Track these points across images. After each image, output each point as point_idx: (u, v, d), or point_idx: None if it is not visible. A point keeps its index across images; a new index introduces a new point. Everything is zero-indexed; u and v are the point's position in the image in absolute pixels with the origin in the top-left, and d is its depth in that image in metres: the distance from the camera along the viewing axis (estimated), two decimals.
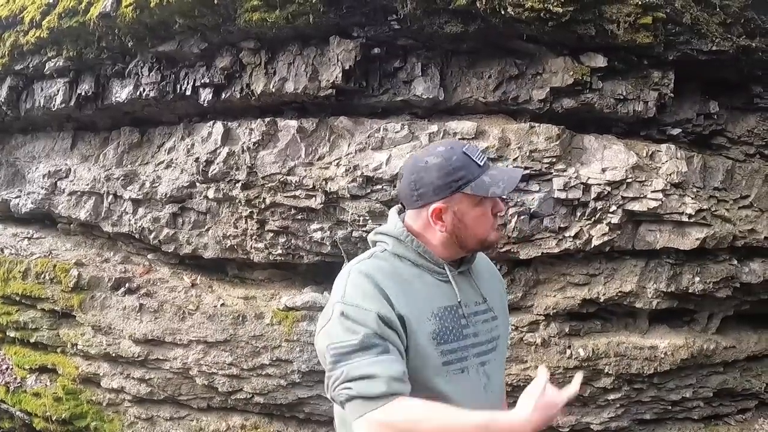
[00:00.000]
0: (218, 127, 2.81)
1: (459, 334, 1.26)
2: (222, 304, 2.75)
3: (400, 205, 1.35)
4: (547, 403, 1.14)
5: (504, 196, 1.28)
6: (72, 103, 3.32)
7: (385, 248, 1.28)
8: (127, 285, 3.09)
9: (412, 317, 1.22)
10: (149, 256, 3.15)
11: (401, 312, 1.21)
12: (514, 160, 2.37)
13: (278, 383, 2.66)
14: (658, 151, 2.53)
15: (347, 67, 2.48)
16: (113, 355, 2.99)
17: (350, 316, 1.17)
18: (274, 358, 2.63)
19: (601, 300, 2.47)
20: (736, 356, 2.72)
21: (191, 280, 2.93)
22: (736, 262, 2.64)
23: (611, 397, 2.54)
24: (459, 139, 2.40)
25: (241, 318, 2.68)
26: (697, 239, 2.51)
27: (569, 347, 2.46)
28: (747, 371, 2.81)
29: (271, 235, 2.63)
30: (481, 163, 1.25)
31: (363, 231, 2.45)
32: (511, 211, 2.35)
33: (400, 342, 1.20)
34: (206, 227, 2.83)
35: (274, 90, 2.67)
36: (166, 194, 2.96)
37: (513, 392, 2.49)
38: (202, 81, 2.91)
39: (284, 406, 2.71)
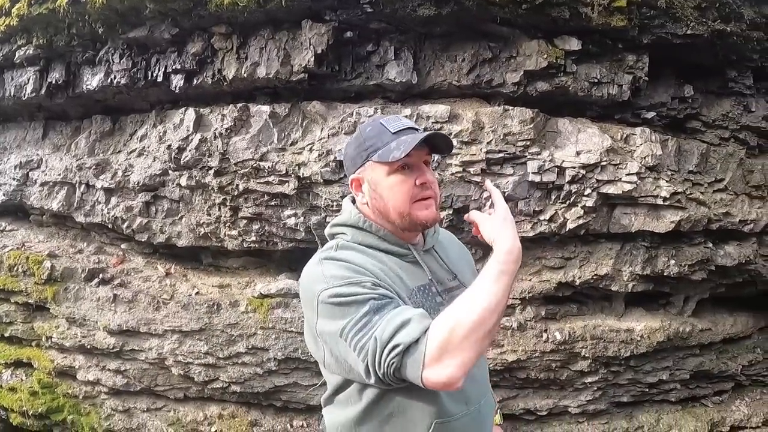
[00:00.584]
0: (190, 114, 2.76)
1: (437, 312, 1.21)
2: (197, 293, 2.72)
3: (350, 195, 1.33)
4: (505, 213, 1.17)
5: (428, 166, 1.22)
6: (43, 92, 3.24)
7: (345, 239, 1.24)
8: (101, 276, 3.04)
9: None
10: (123, 246, 3.10)
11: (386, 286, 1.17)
12: (488, 143, 2.35)
13: (254, 371, 2.63)
14: (632, 134, 2.52)
15: (320, 51, 2.44)
16: (88, 347, 2.94)
17: (345, 294, 1.11)
18: (250, 346, 2.60)
19: (577, 283, 2.47)
20: (712, 338, 2.74)
21: (165, 269, 2.88)
22: (711, 245, 2.65)
23: (588, 380, 2.54)
24: (432, 123, 2.38)
25: (215, 306, 2.65)
26: (672, 222, 2.51)
27: (546, 331, 2.46)
28: (723, 353, 2.83)
29: (245, 222, 2.59)
30: (394, 131, 1.20)
31: (336, 216, 2.42)
32: (485, 194, 2.33)
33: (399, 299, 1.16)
34: (179, 215, 2.78)
35: (246, 75, 2.62)
36: (138, 183, 2.91)
37: (489, 376, 2.50)
38: (174, 67, 2.85)
39: (261, 395, 2.68)
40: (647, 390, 2.67)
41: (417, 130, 1.24)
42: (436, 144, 1.25)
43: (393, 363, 1.04)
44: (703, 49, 2.66)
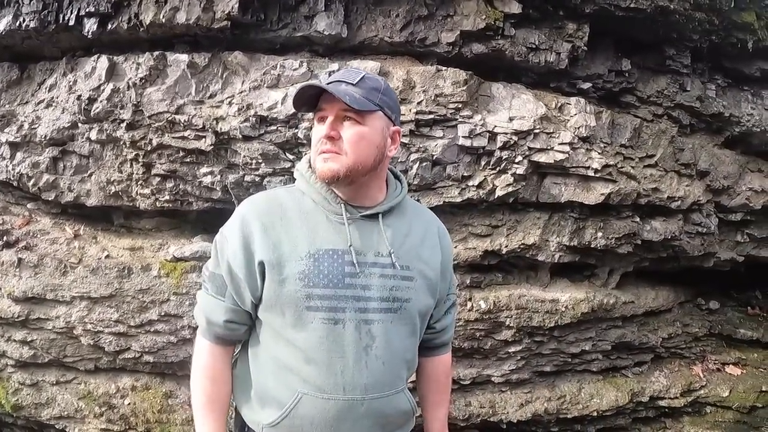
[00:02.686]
0: (103, 62, 2.52)
1: (338, 282, 1.14)
2: (107, 256, 2.52)
3: None
4: None
5: (328, 116, 1.17)
6: None
7: (296, 183, 1.27)
8: (5, 238, 2.77)
9: (278, 260, 1.15)
10: (29, 206, 2.84)
11: (262, 258, 1.15)
12: (419, 103, 2.25)
13: (168, 340, 2.47)
14: (567, 103, 2.48)
15: None
16: None
17: (216, 247, 1.23)
18: (163, 313, 2.44)
19: (504, 252, 2.43)
20: (634, 311, 2.79)
21: (74, 230, 2.66)
22: (638, 219, 2.68)
23: (512, 349, 2.54)
24: None
25: (126, 270, 2.46)
26: (602, 194, 2.51)
27: (470, 299, 2.42)
28: (644, 326, 2.89)
29: (158, 179, 2.40)
30: (327, 81, 1.18)
31: (255, 175, 2.27)
32: (413, 157, 2.24)
33: (246, 291, 1.19)
34: (89, 172, 2.56)
35: (164, 20, 2.40)
36: (45, 136, 2.65)
37: None
38: (87, 10, 2.58)
39: (176, 365, 2.54)
40: (570, 360, 2.70)
41: (352, 84, 1.17)
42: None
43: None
44: (644, 24, 2.65)
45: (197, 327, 1.29)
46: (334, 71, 2.21)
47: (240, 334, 1.25)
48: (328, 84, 1.16)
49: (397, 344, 1.21)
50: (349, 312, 1.15)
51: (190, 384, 1.27)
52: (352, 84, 1.16)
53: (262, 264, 1.15)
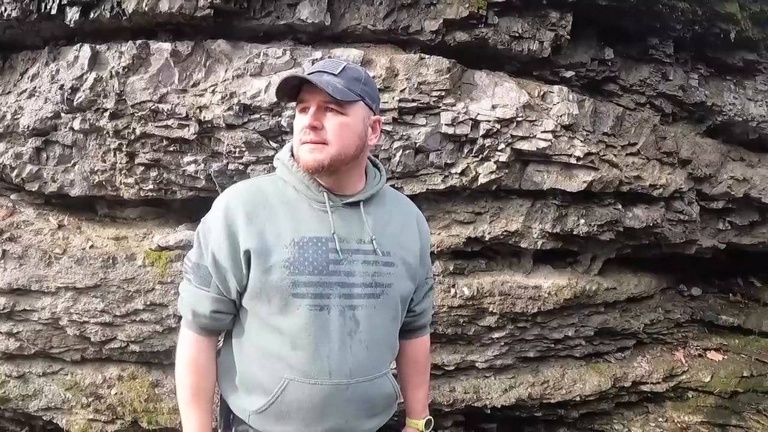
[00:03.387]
0: (85, 50, 2.50)
1: (323, 269, 1.16)
2: (91, 246, 2.51)
3: None
4: None
5: (307, 107, 1.19)
6: None
7: (276, 171, 1.27)
8: None
9: (261, 247, 1.16)
10: (12, 197, 2.82)
11: (248, 246, 1.16)
12: (402, 91, 2.26)
13: (154, 329, 2.48)
14: (550, 92, 2.50)
15: None
16: None
17: (199, 237, 1.22)
18: (148, 303, 2.44)
19: (487, 239, 2.46)
20: (616, 297, 2.83)
21: (58, 221, 2.65)
22: (620, 206, 2.71)
23: (495, 335, 2.57)
24: None
25: (111, 260, 2.46)
26: (584, 182, 2.54)
27: (454, 286, 2.44)
28: (626, 312, 2.94)
29: (142, 168, 2.40)
30: (309, 71, 1.19)
31: (239, 163, 2.28)
32: (396, 144, 2.25)
33: (231, 280, 1.19)
34: (72, 162, 2.55)
35: (147, 9, 2.38)
36: (28, 127, 2.63)
37: None
38: None
39: (162, 354, 2.55)
40: (553, 345, 2.74)
41: (334, 74, 1.18)
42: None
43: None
44: (627, 13, 2.66)
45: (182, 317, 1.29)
46: (316, 60, 2.21)
47: (225, 323, 1.26)
48: (309, 74, 1.17)
49: (381, 329, 1.24)
50: (334, 298, 1.17)
51: (176, 376, 1.27)
52: (333, 74, 1.17)
53: (247, 252, 1.16)
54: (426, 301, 1.43)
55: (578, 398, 2.82)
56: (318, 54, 2.26)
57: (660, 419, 3.17)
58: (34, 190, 2.69)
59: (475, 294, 2.44)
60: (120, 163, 2.42)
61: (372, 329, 1.21)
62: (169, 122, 2.31)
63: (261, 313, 1.19)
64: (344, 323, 1.18)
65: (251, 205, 1.19)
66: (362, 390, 1.21)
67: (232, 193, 1.23)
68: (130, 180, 2.42)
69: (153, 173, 2.39)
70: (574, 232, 2.57)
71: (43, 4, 2.71)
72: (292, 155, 1.24)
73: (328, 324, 1.17)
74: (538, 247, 2.53)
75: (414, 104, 2.26)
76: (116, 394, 2.69)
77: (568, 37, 2.59)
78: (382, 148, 2.24)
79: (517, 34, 2.48)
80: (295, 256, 1.15)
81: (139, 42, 2.42)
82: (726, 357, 3.35)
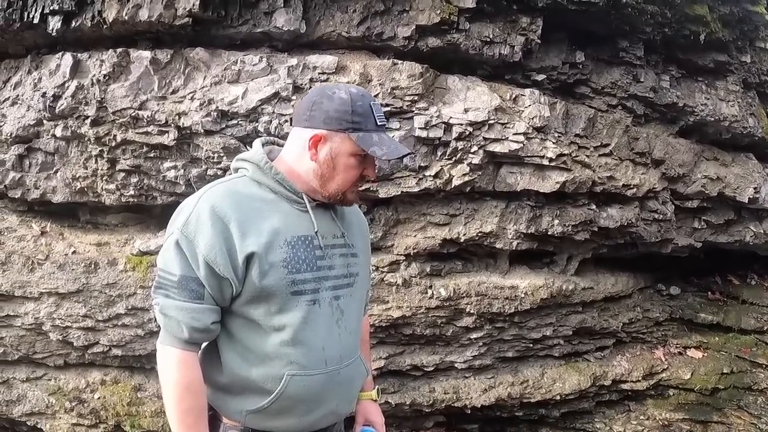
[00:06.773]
0: (67, 59, 2.55)
1: (313, 265, 1.23)
2: (73, 252, 2.55)
3: (265, 137, 1.37)
4: None
5: (382, 164, 1.29)
6: None
7: (245, 174, 1.26)
8: None
9: (261, 249, 1.18)
10: None
11: (250, 249, 1.17)
12: (375, 96, 2.32)
13: (135, 333, 2.51)
14: (521, 95, 2.56)
15: None
16: None
17: (182, 249, 1.16)
18: (130, 307, 2.47)
19: (462, 240, 2.50)
20: (594, 297, 2.87)
21: (41, 227, 2.69)
22: (594, 207, 2.76)
23: (474, 336, 2.60)
24: (319, 74, 2.31)
25: (93, 266, 2.49)
26: (557, 183, 2.59)
27: (431, 287, 2.48)
28: (605, 311, 2.98)
29: (123, 175, 2.44)
30: (379, 123, 1.25)
31: (218, 168, 2.32)
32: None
33: (228, 288, 1.19)
34: (55, 169, 2.59)
35: (127, 18, 2.44)
36: (11, 134, 2.67)
37: (375, 333, 2.51)
38: (51, 8, 2.61)
39: (144, 358, 2.57)
40: (532, 345, 2.77)
41: (386, 126, 1.29)
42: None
43: (158, 323, 1.24)
44: (597, 17, 2.73)
45: (157, 315, 1.21)
46: (292, 67, 2.27)
47: (217, 332, 1.24)
48: (399, 144, 1.31)
49: (356, 314, 1.34)
50: (323, 291, 1.25)
51: (166, 398, 1.20)
52: (386, 125, 1.29)
53: (249, 257, 1.17)
54: (369, 284, 1.56)
55: (558, 397, 2.85)
56: (294, 61, 2.31)
57: (641, 417, 3.20)
58: (17, 197, 2.73)
59: (451, 295, 2.48)
60: (101, 169, 2.46)
61: (351, 315, 1.31)
62: (149, 129, 2.36)
63: (256, 315, 1.21)
64: (332, 313, 1.26)
65: (238, 208, 1.19)
66: (349, 372, 1.30)
67: (213, 199, 1.20)
68: (112, 186, 2.46)
69: (134, 179, 2.43)
70: (549, 233, 2.62)
71: (26, 13, 2.76)
72: (266, 156, 1.27)
73: (321, 316, 1.24)
74: (514, 248, 2.58)
75: (388, 108, 2.31)
76: (99, 398, 2.71)
77: (539, 41, 2.66)
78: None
79: (488, 39, 2.55)
80: (290, 255, 1.20)
81: (119, 50, 2.47)
82: (706, 354, 3.39)
